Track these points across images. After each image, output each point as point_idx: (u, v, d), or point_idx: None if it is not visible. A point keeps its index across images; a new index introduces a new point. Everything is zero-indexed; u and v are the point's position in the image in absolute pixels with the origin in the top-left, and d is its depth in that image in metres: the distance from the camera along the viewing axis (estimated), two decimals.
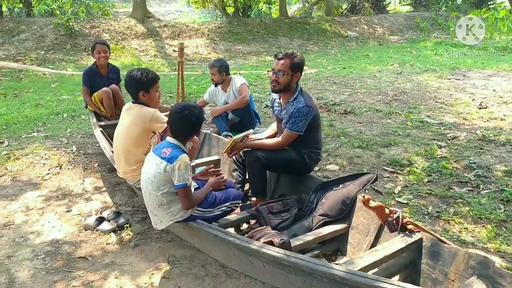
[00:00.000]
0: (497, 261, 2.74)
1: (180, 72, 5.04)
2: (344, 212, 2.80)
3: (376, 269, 2.20)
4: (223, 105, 4.94)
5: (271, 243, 2.28)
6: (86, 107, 4.92)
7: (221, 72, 4.86)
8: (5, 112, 6.36)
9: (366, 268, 2.05)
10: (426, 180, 3.93)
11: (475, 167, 4.13)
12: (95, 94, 4.67)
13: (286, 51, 3.22)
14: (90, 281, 2.61)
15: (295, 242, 2.52)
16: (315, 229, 2.75)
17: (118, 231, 3.18)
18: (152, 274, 2.67)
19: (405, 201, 3.56)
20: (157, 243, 3.02)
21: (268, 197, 3.35)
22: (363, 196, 2.38)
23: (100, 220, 3.26)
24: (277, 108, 3.37)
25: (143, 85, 3.07)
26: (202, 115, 2.66)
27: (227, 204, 2.70)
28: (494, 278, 1.96)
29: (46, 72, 9.70)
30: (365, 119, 5.75)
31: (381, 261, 2.14)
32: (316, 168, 4.19)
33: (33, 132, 5.43)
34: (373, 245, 2.54)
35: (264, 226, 2.65)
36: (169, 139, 2.58)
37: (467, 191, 3.72)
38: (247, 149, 3.22)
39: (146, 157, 2.64)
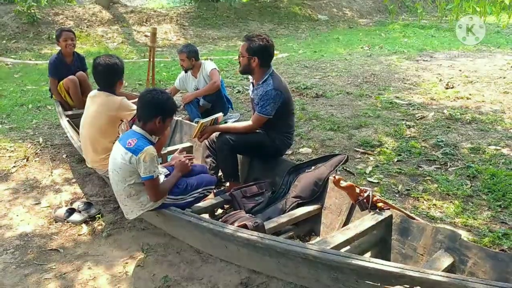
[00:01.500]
0: (464, 234, 2.84)
1: (151, 58, 4.91)
2: (317, 193, 2.83)
3: (348, 247, 2.24)
4: (194, 91, 4.88)
5: (245, 226, 2.29)
6: (52, 96, 4.77)
7: (190, 57, 4.79)
8: None
9: (338, 246, 2.09)
10: (396, 160, 4.01)
11: (443, 145, 4.25)
12: (61, 83, 4.52)
13: (251, 33, 3.21)
14: (62, 273, 2.56)
15: (269, 225, 2.54)
16: (288, 211, 2.77)
17: (90, 222, 3.12)
18: (126, 263, 2.65)
19: (376, 181, 3.63)
20: (130, 232, 2.99)
21: (242, 181, 3.36)
22: (334, 177, 2.41)
23: (71, 211, 3.19)
24: (250, 90, 3.37)
25: (122, 72, 3.01)
26: (168, 100, 2.53)
27: (199, 190, 2.67)
28: (460, 250, 2.04)
29: (8, 62, 9.30)
30: (336, 102, 5.80)
31: (353, 239, 2.18)
32: (289, 152, 4.21)
33: None
34: (346, 224, 2.59)
35: (238, 210, 2.65)
36: (135, 128, 2.51)
37: (435, 169, 3.83)
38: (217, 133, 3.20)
39: (113, 147, 2.56)
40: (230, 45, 11.39)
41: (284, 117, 3.22)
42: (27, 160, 4.15)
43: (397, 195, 3.43)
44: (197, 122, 4.45)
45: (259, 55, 3.07)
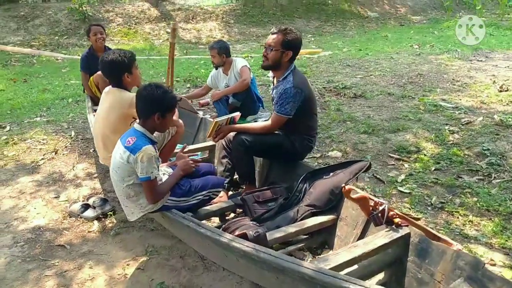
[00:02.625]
0: (500, 258, 2.51)
1: (171, 55, 4.77)
2: (332, 202, 2.59)
3: (355, 266, 2.00)
4: (224, 89, 4.76)
5: (245, 235, 2.12)
6: (84, 91, 4.83)
7: (221, 54, 4.66)
8: (12, 97, 6.37)
9: (341, 266, 1.86)
10: (433, 168, 3.67)
11: (488, 154, 3.83)
12: (91, 78, 4.56)
13: (282, 26, 3.00)
14: (63, 271, 2.52)
15: (275, 234, 2.35)
16: (300, 220, 2.56)
17: (102, 219, 3.08)
18: (128, 264, 2.56)
19: (407, 191, 3.32)
20: (138, 232, 2.91)
21: (259, 185, 3.18)
22: (343, 187, 2.17)
23: (85, 207, 3.16)
24: (272, 88, 3.18)
25: (127, 66, 2.91)
26: (165, 95, 2.37)
27: (204, 192, 2.51)
28: (482, 281, 1.73)
29: (58, 57, 9.71)
30: (375, 103, 5.46)
31: (360, 258, 1.93)
32: (318, 155, 3.99)
33: (36, 117, 5.41)
34: (360, 238, 2.34)
35: (242, 217, 2.48)
36: (135, 126, 2.40)
37: (477, 180, 3.45)
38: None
39: (115, 145, 2.46)
40: None
41: (305, 118, 3.00)
42: (55, 153, 4.22)
43: (429, 208, 3.11)
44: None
45: (294, 49, 2.90)
